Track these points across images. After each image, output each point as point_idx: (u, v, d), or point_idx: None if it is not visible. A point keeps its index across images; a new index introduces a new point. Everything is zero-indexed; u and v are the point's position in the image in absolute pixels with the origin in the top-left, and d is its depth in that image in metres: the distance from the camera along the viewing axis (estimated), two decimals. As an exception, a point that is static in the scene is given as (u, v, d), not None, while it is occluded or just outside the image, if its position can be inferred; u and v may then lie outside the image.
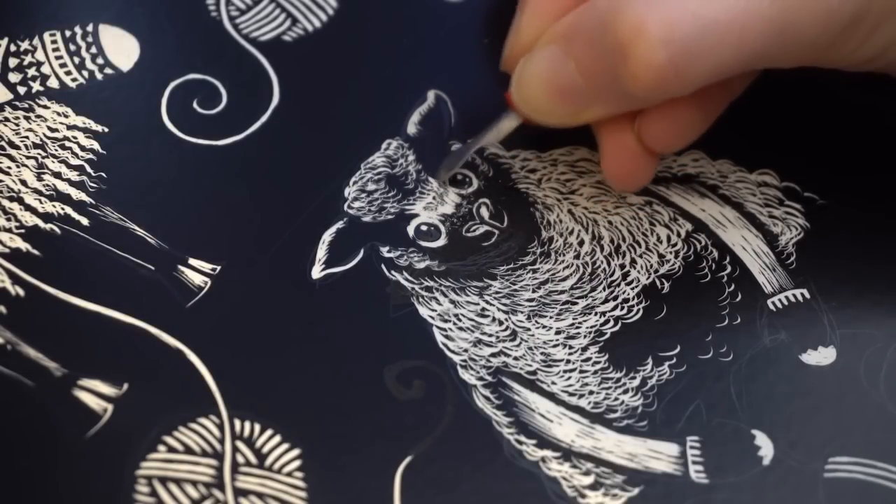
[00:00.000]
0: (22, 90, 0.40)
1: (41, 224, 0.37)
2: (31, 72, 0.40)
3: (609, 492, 0.35)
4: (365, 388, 0.36)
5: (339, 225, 0.38)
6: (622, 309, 0.38)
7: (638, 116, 0.36)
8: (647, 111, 0.36)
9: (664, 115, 0.36)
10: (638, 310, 0.38)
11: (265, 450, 0.34)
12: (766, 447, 0.35)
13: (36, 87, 0.40)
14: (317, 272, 0.38)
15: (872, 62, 0.36)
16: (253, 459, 0.34)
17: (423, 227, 0.39)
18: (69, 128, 0.39)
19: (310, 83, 0.41)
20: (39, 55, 0.41)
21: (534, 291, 0.38)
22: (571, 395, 0.36)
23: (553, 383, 0.36)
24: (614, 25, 0.33)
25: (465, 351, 0.37)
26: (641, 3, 0.32)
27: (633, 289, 0.38)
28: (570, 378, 0.36)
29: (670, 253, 0.39)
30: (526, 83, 0.36)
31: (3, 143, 0.39)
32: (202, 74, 0.41)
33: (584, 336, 0.37)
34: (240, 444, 0.34)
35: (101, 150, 0.39)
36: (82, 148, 0.39)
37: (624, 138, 0.37)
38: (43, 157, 0.39)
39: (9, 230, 0.37)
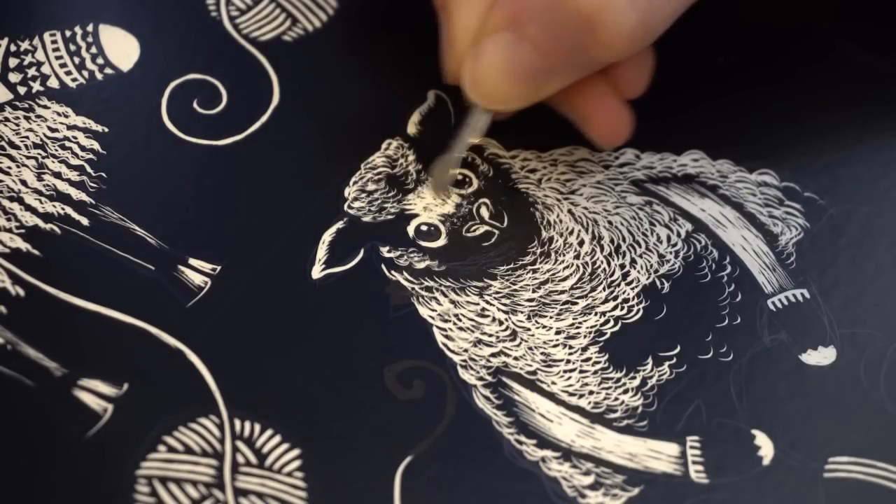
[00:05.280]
0: (22, 90, 0.40)
1: (41, 224, 0.37)
2: (31, 72, 0.40)
3: (609, 492, 0.35)
4: (365, 388, 0.36)
5: (339, 225, 0.38)
6: (622, 309, 0.38)
7: (613, 75, 0.38)
8: (622, 69, 0.37)
9: (636, 66, 0.38)
10: (638, 310, 0.38)
11: (265, 450, 0.34)
12: (765, 447, 0.35)
13: (36, 87, 0.40)
14: (317, 272, 0.38)
15: None
16: (253, 459, 0.34)
17: (424, 227, 0.39)
18: (69, 128, 0.39)
19: (310, 83, 0.41)
20: (39, 55, 0.41)
21: (534, 291, 0.38)
22: (571, 395, 0.36)
23: (553, 383, 0.36)
24: (572, 2, 0.33)
25: (465, 351, 0.37)
26: None
27: (633, 289, 0.38)
28: (570, 378, 0.36)
29: (670, 253, 0.39)
30: (483, 77, 0.36)
31: (3, 143, 0.39)
32: (202, 74, 0.41)
33: (584, 336, 0.37)
34: (240, 444, 0.34)
35: (101, 150, 0.39)
36: (82, 148, 0.39)
37: (606, 100, 0.38)
38: (43, 157, 0.39)
39: (9, 230, 0.37)
